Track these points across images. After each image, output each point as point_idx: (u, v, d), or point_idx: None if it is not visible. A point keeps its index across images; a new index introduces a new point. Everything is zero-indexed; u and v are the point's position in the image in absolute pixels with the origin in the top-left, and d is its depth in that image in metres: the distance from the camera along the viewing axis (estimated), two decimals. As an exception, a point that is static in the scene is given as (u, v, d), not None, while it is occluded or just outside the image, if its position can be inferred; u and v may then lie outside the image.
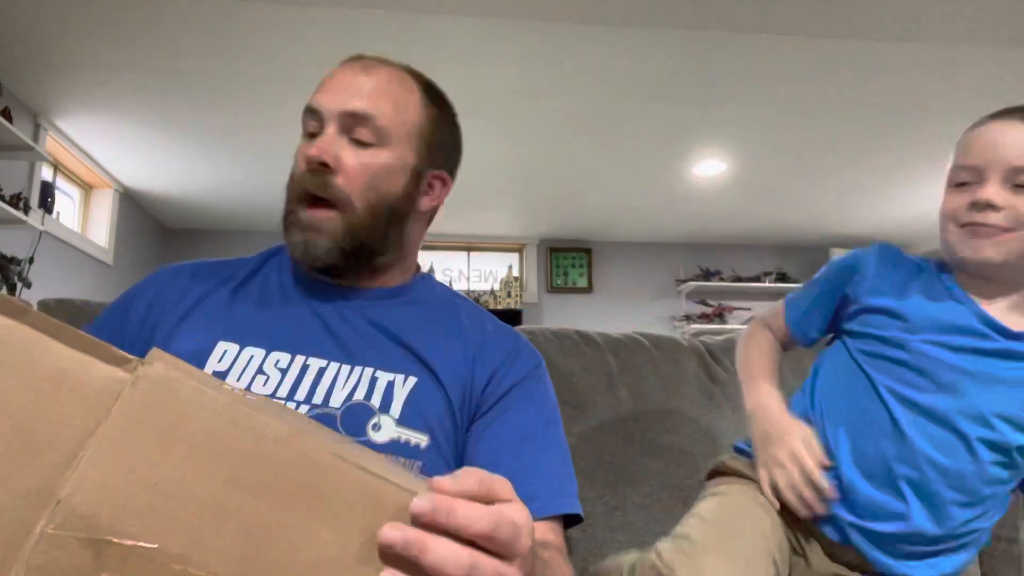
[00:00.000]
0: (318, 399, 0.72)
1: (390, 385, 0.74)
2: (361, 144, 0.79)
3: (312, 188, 0.78)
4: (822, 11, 2.69)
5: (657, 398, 1.21)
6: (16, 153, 3.16)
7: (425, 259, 5.55)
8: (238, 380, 0.72)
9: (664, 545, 0.84)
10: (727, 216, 5.26)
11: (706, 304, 5.86)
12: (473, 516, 0.39)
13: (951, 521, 0.79)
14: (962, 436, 0.78)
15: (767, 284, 5.81)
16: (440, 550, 0.38)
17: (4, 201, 3.07)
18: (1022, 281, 0.80)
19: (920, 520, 0.79)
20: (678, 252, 6.00)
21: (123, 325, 0.81)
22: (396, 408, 0.73)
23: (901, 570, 0.80)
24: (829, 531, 0.83)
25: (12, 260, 3.15)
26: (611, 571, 0.91)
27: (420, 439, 0.72)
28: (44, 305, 1.14)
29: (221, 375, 0.72)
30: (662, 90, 3.33)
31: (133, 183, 4.51)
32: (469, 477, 0.41)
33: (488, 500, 0.41)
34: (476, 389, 0.79)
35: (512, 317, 5.39)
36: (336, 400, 0.72)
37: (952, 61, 3.05)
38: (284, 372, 0.73)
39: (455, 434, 0.76)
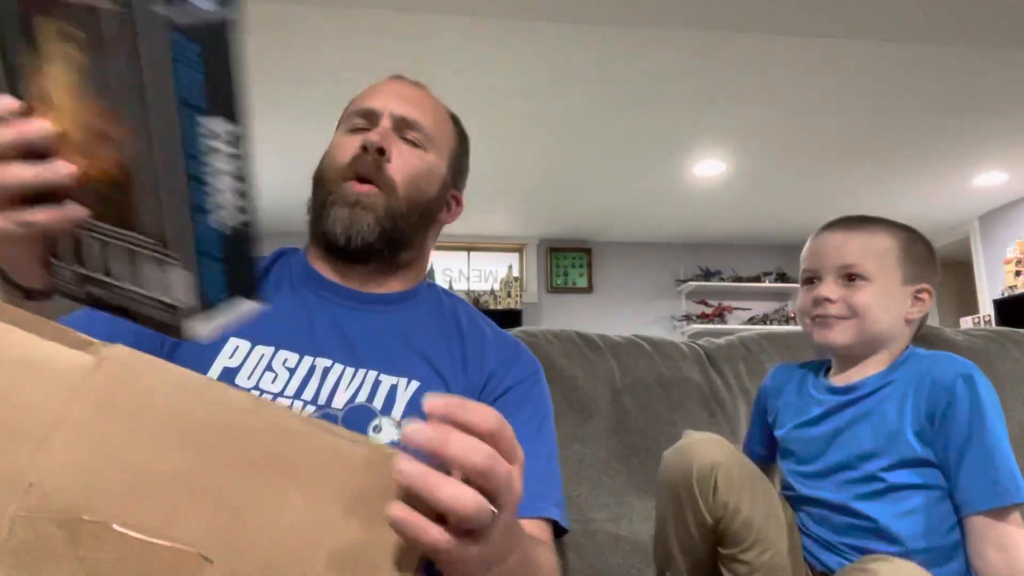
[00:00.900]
0: (322, 399, 0.73)
1: (393, 388, 0.75)
2: (411, 143, 0.86)
3: (363, 169, 0.82)
4: (822, 11, 2.69)
5: (660, 409, 1.21)
6: (16, 153, 3.16)
7: (425, 259, 5.54)
8: (248, 377, 0.73)
9: None
10: (727, 216, 5.26)
11: (706, 304, 5.86)
12: (468, 447, 0.39)
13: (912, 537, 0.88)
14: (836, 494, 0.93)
15: (767, 284, 5.82)
16: (459, 444, 0.38)
17: (4, 201, 3.07)
18: (870, 353, 0.97)
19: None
20: (678, 252, 6.00)
21: None
22: (398, 411, 0.74)
23: None
24: None
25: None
26: None
27: None
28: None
29: (232, 371, 0.74)
30: (662, 90, 3.33)
31: (133, 183, 4.51)
32: (474, 410, 0.41)
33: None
34: (474, 392, 0.80)
35: (512, 317, 5.39)
36: (339, 401, 0.73)
37: (952, 61, 3.05)
38: (292, 371, 0.75)
39: None
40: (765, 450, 1.10)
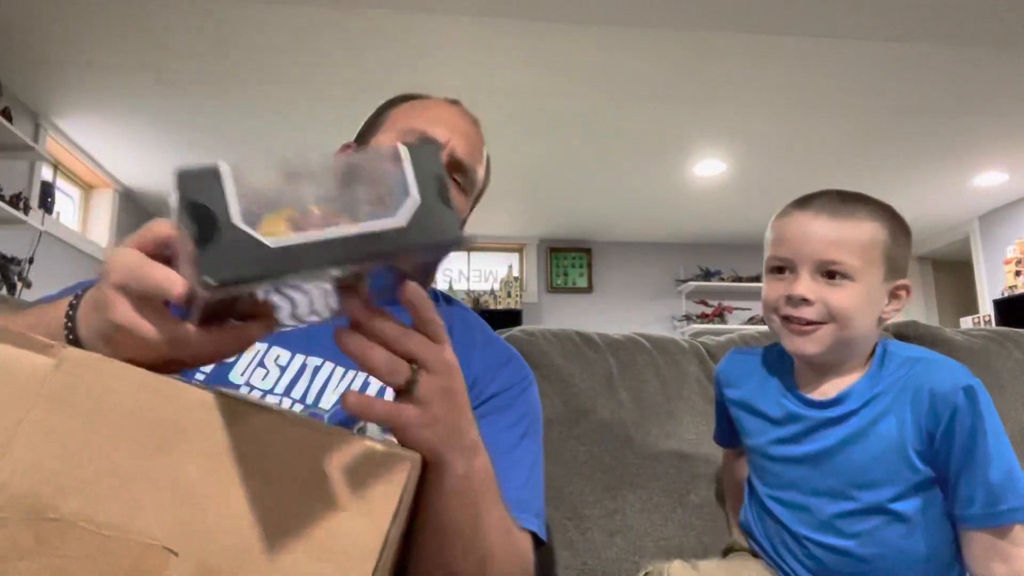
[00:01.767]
0: (311, 398, 0.74)
1: (381, 391, 0.75)
2: (458, 186, 0.88)
3: None
4: (822, 11, 2.69)
5: (657, 401, 1.21)
6: (16, 153, 3.16)
7: (425, 259, 5.53)
8: (241, 374, 0.74)
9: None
10: (727, 216, 5.26)
11: (706, 304, 5.86)
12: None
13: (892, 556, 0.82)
14: (828, 518, 0.84)
15: (767, 284, 5.81)
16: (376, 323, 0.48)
17: (4, 201, 3.07)
18: (843, 359, 0.87)
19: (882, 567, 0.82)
20: (678, 252, 6.00)
21: None
22: None
23: None
24: None
25: (12, 260, 3.15)
26: None
27: None
28: (44, 306, 1.14)
29: (226, 366, 0.74)
30: (662, 90, 3.33)
31: (133, 183, 4.51)
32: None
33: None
34: None
35: (512, 317, 5.39)
36: (327, 401, 0.74)
37: (952, 61, 3.05)
38: (283, 369, 0.75)
39: None
40: (732, 438, 1.02)
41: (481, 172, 0.93)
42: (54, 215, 3.77)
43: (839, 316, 0.82)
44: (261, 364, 0.75)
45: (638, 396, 1.20)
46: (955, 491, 0.80)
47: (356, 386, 0.75)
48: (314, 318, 0.52)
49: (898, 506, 0.81)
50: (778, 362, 0.94)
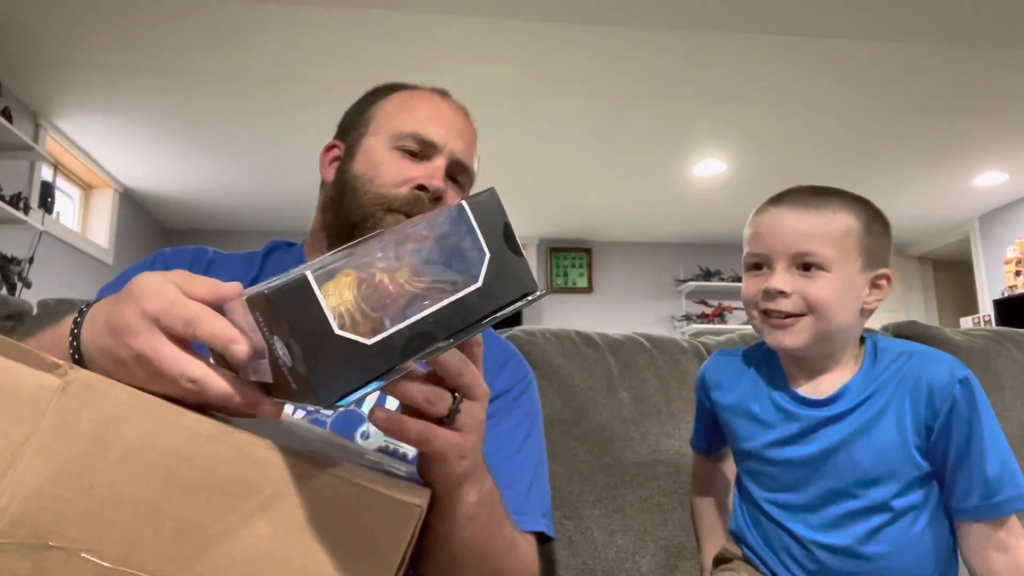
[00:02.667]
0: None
1: (382, 395, 0.74)
2: (457, 185, 0.87)
3: (415, 210, 0.81)
4: (822, 11, 2.69)
5: (657, 401, 1.21)
6: (16, 153, 3.16)
7: (425, 259, 5.53)
8: None
9: None
10: (727, 216, 5.26)
11: (706, 304, 5.86)
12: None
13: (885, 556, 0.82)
14: (837, 514, 0.83)
15: (767, 284, 5.81)
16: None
17: (4, 201, 3.07)
18: (828, 353, 0.86)
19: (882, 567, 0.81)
20: (678, 252, 5.99)
21: None
22: None
23: None
24: None
25: (12, 260, 3.14)
26: None
27: (409, 448, 0.72)
28: (44, 305, 1.14)
29: None
30: (662, 90, 3.33)
31: (133, 183, 4.51)
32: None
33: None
34: None
35: (512, 317, 5.37)
36: None
37: (952, 61, 3.05)
38: None
39: None
40: (710, 444, 1.01)
41: (475, 166, 0.92)
42: (54, 215, 3.77)
43: (817, 307, 0.81)
44: None
45: (638, 396, 1.20)
46: (953, 484, 0.80)
47: None
48: None
49: (901, 502, 0.80)
50: (766, 361, 0.93)
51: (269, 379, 0.42)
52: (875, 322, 1.04)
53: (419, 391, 0.45)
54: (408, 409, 0.47)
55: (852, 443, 0.82)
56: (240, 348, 0.40)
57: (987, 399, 0.80)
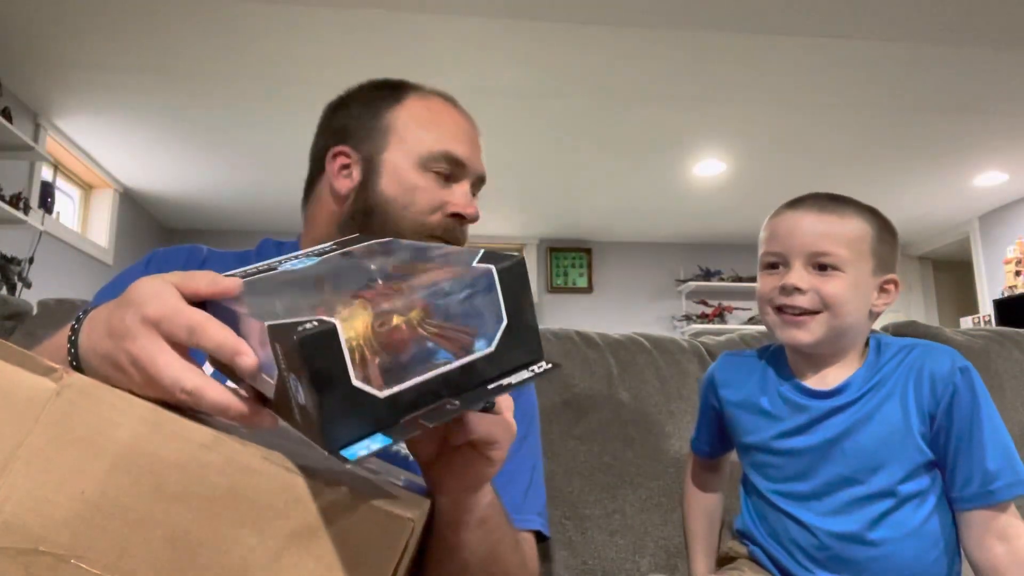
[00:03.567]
0: None
1: None
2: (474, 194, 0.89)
3: (450, 236, 0.83)
4: (822, 11, 2.69)
5: (657, 400, 1.21)
6: (16, 153, 3.16)
7: (425, 259, 5.53)
8: None
9: None
10: (727, 216, 5.26)
11: (706, 304, 5.86)
12: None
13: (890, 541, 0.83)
14: (847, 501, 0.85)
15: (767, 284, 5.80)
16: None
17: (4, 201, 3.07)
18: (838, 350, 0.90)
19: (890, 549, 0.82)
20: (678, 252, 6.00)
21: None
22: None
23: None
24: None
25: (12, 260, 3.15)
26: None
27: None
28: (44, 305, 1.14)
29: None
30: (662, 90, 3.33)
31: (133, 183, 4.51)
32: None
33: None
34: None
35: (512, 317, 5.37)
36: None
37: (952, 62, 3.05)
38: None
39: None
40: (713, 447, 1.03)
41: None
42: (54, 215, 3.77)
43: (832, 304, 0.85)
44: None
45: (638, 396, 1.20)
46: (954, 472, 0.83)
47: None
48: None
49: (906, 488, 0.83)
50: (773, 361, 0.97)
51: (270, 395, 0.41)
52: (875, 323, 1.05)
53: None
54: None
55: (858, 430, 0.85)
56: (247, 360, 0.40)
57: (986, 389, 0.83)
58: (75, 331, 0.48)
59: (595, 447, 1.15)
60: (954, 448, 0.82)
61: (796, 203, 0.92)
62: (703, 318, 5.79)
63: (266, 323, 0.38)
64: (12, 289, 3.13)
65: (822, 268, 0.86)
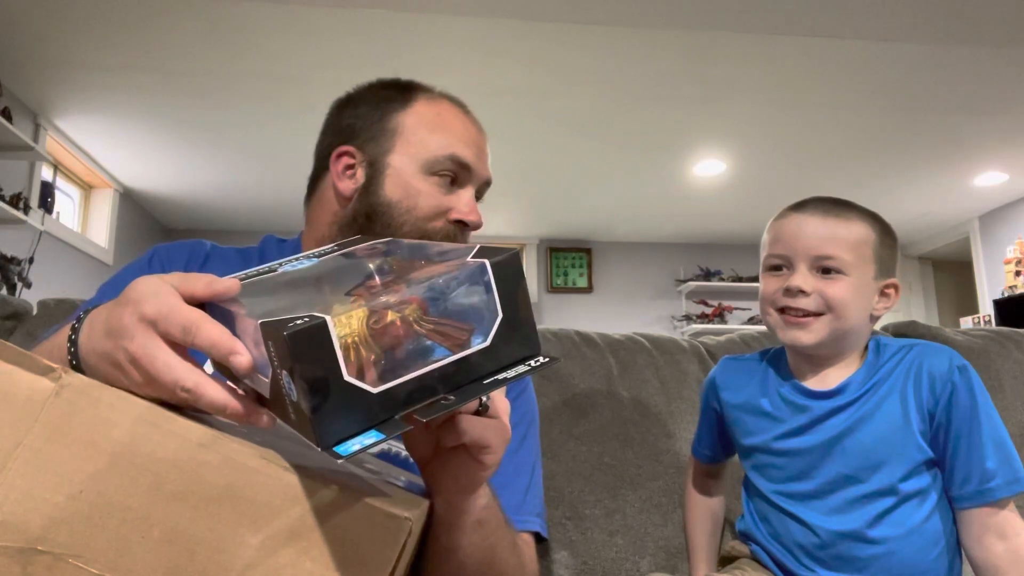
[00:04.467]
0: None
1: None
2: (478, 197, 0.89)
3: (452, 242, 0.82)
4: (822, 11, 2.69)
5: (657, 401, 1.21)
6: (16, 153, 3.16)
7: (425, 259, 5.53)
8: None
9: None
10: (727, 216, 5.26)
11: (706, 304, 5.86)
12: None
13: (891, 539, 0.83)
14: (844, 499, 0.86)
15: (767, 284, 5.81)
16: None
17: (4, 201, 3.07)
18: (838, 352, 0.91)
19: (892, 547, 0.83)
20: (678, 252, 6.00)
21: None
22: None
23: None
24: None
25: (12, 260, 3.14)
26: None
27: None
28: (44, 305, 1.14)
29: None
30: (662, 90, 3.33)
31: (133, 183, 4.51)
32: None
33: None
34: None
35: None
36: None
37: (952, 62, 3.05)
38: None
39: None
40: (714, 451, 1.03)
41: None
42: (54, 215, 3.77)
43: (835, 306, 0.86)
44: None
45: (638, 396, 1.20)
46: (952, 471, 0.83)
47: None
48: None
49: (907, 486, 0.83)
50: (775, 363, 0.98)
51: (266, 394, 0.41)
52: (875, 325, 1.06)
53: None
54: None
55: (858, 428, 0.86)
56: (241, 360, 0.40)
57: (985, 388, 0.84)
58: (75, 331, 0.48)
59: (595, 447, 1.15)
60: (952, 446, 0.83)
61: (800, 206, 0.93)
62: (703, 318, 5.79)
63: (258, 321, 0.38)
64: (12, 289, 3.13)
65: (826, 271, 0.87)
